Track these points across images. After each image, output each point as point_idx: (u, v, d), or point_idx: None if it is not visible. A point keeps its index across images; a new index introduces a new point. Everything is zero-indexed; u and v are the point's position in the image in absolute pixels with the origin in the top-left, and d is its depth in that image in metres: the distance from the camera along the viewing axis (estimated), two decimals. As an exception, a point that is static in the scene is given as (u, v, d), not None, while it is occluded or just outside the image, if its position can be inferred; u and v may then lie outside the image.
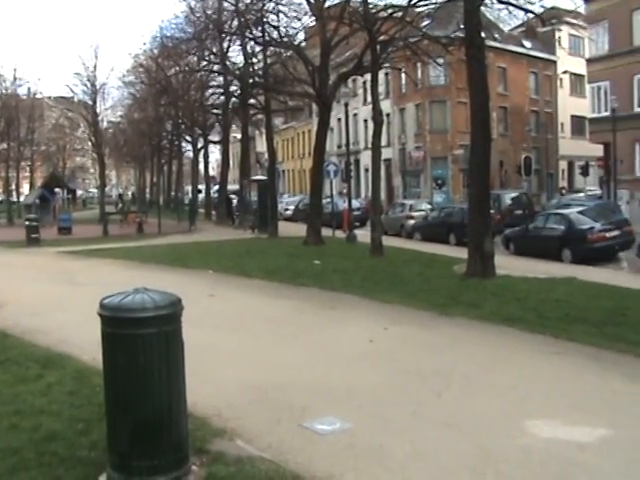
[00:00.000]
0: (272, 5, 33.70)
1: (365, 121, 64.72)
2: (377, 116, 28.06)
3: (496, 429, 7.54)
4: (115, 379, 5.82)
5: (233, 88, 49.50)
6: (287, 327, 13.35)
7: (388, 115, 65.67)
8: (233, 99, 51.58)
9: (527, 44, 67.23)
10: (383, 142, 63.70)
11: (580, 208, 28.99)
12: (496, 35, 54.92)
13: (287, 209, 57.59)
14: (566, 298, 15.33)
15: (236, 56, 48.53)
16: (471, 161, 20.64)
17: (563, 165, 72.11)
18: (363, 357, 10.74)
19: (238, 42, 41.96)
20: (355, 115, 69.48)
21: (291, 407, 8.27)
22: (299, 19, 34.93)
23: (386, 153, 63.73)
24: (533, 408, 8.24)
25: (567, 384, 9.23)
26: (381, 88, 60.53)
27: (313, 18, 33.72)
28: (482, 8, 25.95)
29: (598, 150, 49.56)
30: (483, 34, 40.42)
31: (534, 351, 11.04)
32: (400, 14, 28.71)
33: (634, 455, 6.78)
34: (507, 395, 8.73)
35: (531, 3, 24.73)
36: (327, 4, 32.73)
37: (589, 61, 48.91)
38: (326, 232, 33.75)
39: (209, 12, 39.85)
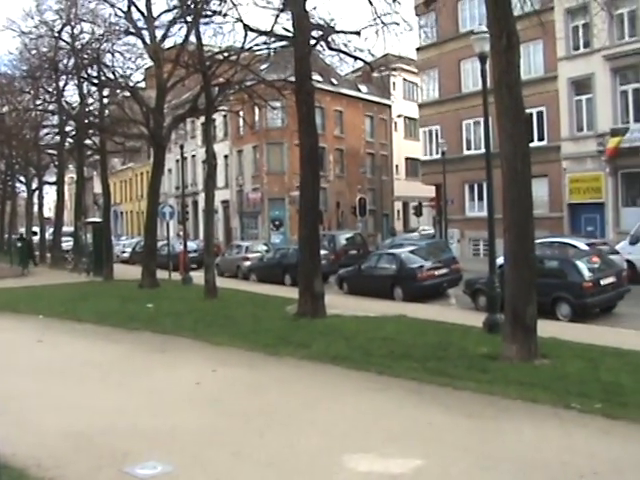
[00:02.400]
0: (108, 45, 33.30)
1: (203, 162, 64.67)
2: (210, 158, 28.25)
3: (316, 466, 7.71)
4: None
5: (69, 128, 48.32)
6: (115, 372, 13.17)
7: (226, 157, 66.03)
8: (68, 139, 50.45)
9: (363, 88, 69.03)
10: (221, 183, 64.33)
11: (411, 248, 29.74)
12: (333, 79, 56.31)
13: (124, 251, 56.64)
14: (393, 336, 15.77)
15: (72, 95, 47.75)
16: (301, 203, 21.00)
17: (398, 205, 73.98)
18: (189, 400, 10.74)
19: (74, 81, 41.19)
20: (193, 157, 69.45)
21: (114, 453, 8.18)
22: (135, 60, 34.67)
23: (224, 194, 64.00)
24: (353, 443, 8.45)
25: (387, 419, 9.52)
26: (219, 130, 61.00)
27: (149, 59, 33.53)
28: (319, 53, 26.69)
29: (431, 191, 51.30)
30: (320, 78, 41.57)
31: (358, 388, 11.33)
32: (235, 57, 28.98)
33: (443, 484, 7.10)
34: (329, 432, 8.93)
35: (361, 51, 25.45)
36: (164, 46, 32.62)
37: (421, 106, 50.63)
38: (163, 274, 33.46)
39: (44, 50, 38.94)
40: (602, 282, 20.61)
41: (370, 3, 21.93)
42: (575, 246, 25.85)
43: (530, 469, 7.42)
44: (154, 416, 9.86)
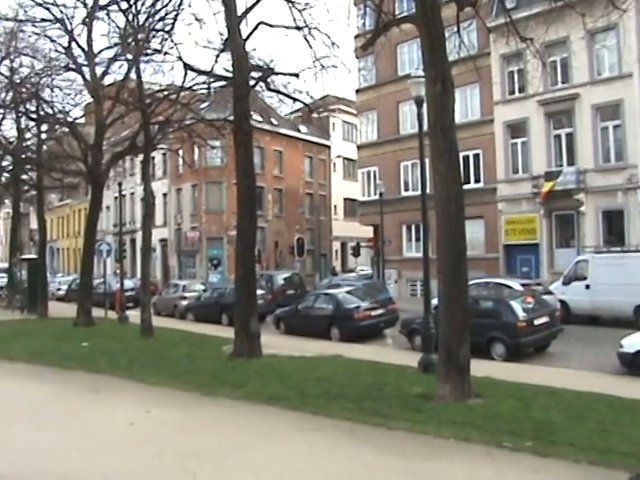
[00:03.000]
0: (48, 80, 33.01)
1: (142, 200, 64.18)
2: (148, 197, 28.17)
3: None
4: None
5: (5, 163, 47.71)
6: (46, 412, 12.96)
7: (165, 195, 65.72)
8: (5, 174, 49.77)
9: (303, 129, 69.46)
10: (160, 222, 63.96)
11: (348, 288, 29.89)
12: (273, 119, 56.56)
13: (59, 289, 55.85)
14: (329, 376, 15.79)
15: (9, 129, 47.09)
16: (238, 242, 21.01)
17: (336, 245, 74.19)
18: (122, 441, 10.61)
19: (12, 115, 40.70)
20: (132, 194, 68.93)
21: (42, 496, 8.05)
22: (75, 96, 34.42)
23: (162, 233, 63.61)
24: (287, 485, 8.45)
25: (321, 459, 9.51)
26: (158, 168, 60.80)
27: (89, 96, 33.36)
28: (258, 93, 26.86)
29: (369, 231, 51.66)
30: (260, 118, 41.72)
31: (293, 429, 11.31)
32: (175, 96, 29.00)
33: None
34: (262, 473, 8.91)
35: (300, 92, 25.72)
36: (104, 83, 32.53)
37: (360, 147, 51.06)
38: (99, 313, 33.05)
39: (-19, 83, 38.51)
40: (536, 322, 20.95)
41: (310, 46, 22.26)
42: (510, 286, 26.30)
43: (461, 508, 7.49)
44: (86, 457, 9.72)
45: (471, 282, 25.44)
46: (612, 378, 17.03)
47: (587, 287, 27.63)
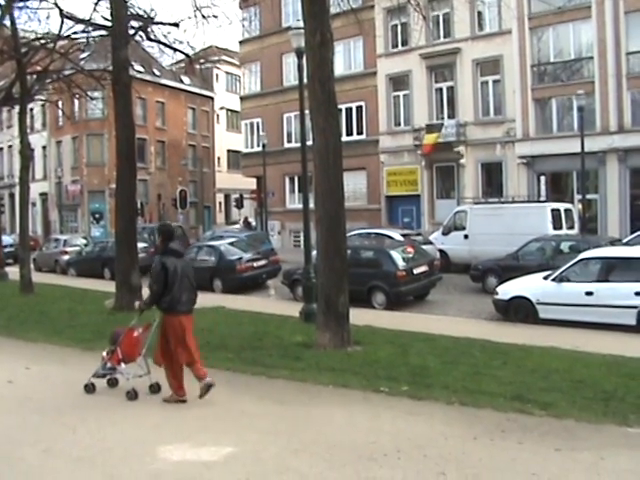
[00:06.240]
0: None
1: (20, 153, 62.19)
2: (24, 149, 27.39)
3: (129, 458, 7.67)
4: None
5: None
6: None
7: (45, 147, 63.95)
8: None
9: (186, 80, 68.33)
10: (39, 175, 62.30)
11: (231, 240, 29.98)
12: (155, 70, 55.53)
13: None
14: (210, 327, 15.81)
15: None
16: (117, 196, 20.73)
17: (220, 198, 73.86)
18: (1, 399, 10.42)
19: None
20: (10, 147, 66.60)
21: None
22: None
23: (42, 187, 61.98)
24: (167, 434, 8.48)
25: (201, 409, 9.56)
26: (37, 120, 58.93)
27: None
28: (138, 43, 26.24)
29: (252, 183, 51.66)
30: (142, 68, 40.92)
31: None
32: (52, 45, 28.04)
33: (254, 468, 7.25)
34: (143, 425, 8.91)
35: (181, 42, 25.33)
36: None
37: (243, 99, 50.79)
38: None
39: None
40: (415, 271, 21.46)
41: (190, -5, 21.90)
42: (390, 237, 26.78)
43: (338, 450, 7.67)
44: (-39, 416, 9.52)
45: (352, 233, 25.96)
46: (488, 324, 17.66)
47: (465, 237, 28.42)
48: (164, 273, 9.76)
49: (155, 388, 10.29)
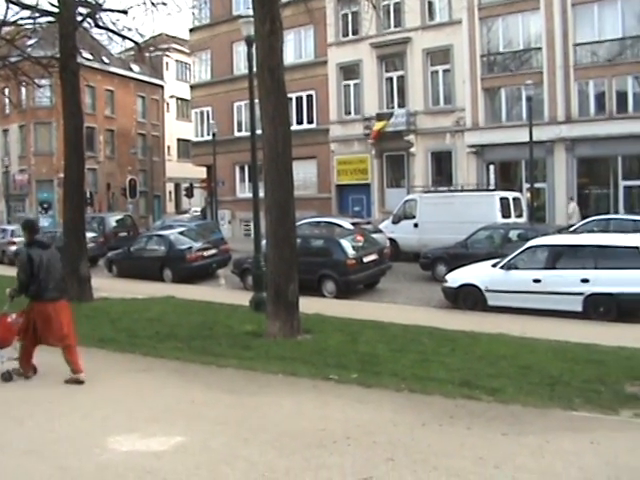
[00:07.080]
0: None
1: (-36, 142, 61.40)
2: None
3: (77, 450, 7.61)
4: None
5: None
6: None
7: (-9, 136, 62.89)
8: None
9: (135, 68, 67.56)
10: (-16, 164, 61.08)
11: (181, 229, 29.84)
12: (104, 58, 54.83)
13: None
14: (159, 317, 15.79)
15: None
16: (65, 185, 20.46)
17: (170, 187, 73.33)
18: None
19: None
20: (-45, 135, 65.53)
21: None
22: None
23: (-12, 176, 60.86)
24: (116, 425, 8.42)
25: (150, 399, 9.54)
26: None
27: None
28: (86, 31, 25.85)
29: (202, 172, 51.41)
30: (90, 56, 40.36)
31: (122, 370, 11.29)
32: (-3, 31, 27.51)
33: (203, 457, 7.24)
34: (92, 415, 8.82)
35: (129, 30, 25.02)
36: None
37: (193, 87, 50.44)
38: None
39: None
40: (365, 259, 21.59)
41: (139, -19, 21.66)
42: (340, 225, 26.84)
43: (288, 438, 7.70)
44: None
45: (302, 221, 25.99)
46: (437, 312, 17.87)
47: (415, 225, 28.59)
48: (30, 264, 10.41)
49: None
